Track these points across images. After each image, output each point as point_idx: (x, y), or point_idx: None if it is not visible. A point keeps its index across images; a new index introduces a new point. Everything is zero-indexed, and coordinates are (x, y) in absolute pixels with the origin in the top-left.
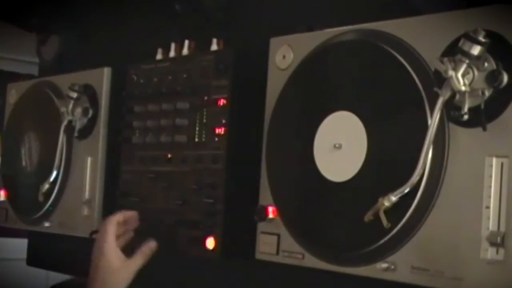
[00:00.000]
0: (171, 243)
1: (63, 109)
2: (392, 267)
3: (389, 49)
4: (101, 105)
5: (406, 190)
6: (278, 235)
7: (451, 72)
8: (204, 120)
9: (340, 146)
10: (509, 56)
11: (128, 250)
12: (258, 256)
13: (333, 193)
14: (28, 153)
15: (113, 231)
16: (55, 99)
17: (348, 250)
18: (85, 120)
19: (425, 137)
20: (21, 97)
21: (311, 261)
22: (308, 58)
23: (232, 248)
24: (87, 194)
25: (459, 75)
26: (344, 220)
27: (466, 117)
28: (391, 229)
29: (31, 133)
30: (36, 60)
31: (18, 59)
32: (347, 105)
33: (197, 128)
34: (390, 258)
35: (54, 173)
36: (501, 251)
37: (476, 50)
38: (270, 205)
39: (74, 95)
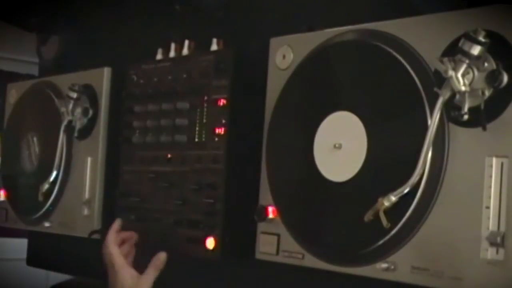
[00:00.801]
0: (171, 243)
1: (63, 109)
2: (392, 267)
3: (389, 49)
4: (101, 105)
5: (406, 190)
6: (278, 235)
7: (451, 72)
8: (204, 120)
9: (340, 146)
10: (509, 56)
11: (136, 264)
12: (258, 256)
13: (333, 193)
14: (28, 153)
15: (117, 250)
16: (55, 99)
17: (348, 250)
18: (85, 120)
19: (425, 137)
20: (21, 97)
21: (311, 261)
22: (308, 58)
23: (232, 248)
24: (87, 194)
25: (459, 75)
26: (344, 220)
27: (466, 117)
28: (391, 229)
29: (31, 133)
30: (36, 60)
31: (18, 59)
32: (347, 105)
33: (197, 128)
34: (390, 258)
35: (54, 173)
36: (501, 251)
37: (476, 50)
38: (270, 205)
39: (74, 95)
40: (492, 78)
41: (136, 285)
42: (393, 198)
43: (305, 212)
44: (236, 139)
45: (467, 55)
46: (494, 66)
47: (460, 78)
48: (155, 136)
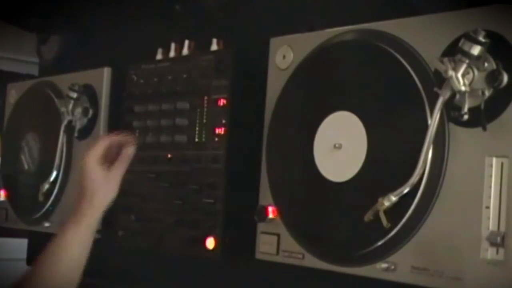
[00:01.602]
0: (171, 243)
1: (63, 109)
2: (392, 267)
3: (389, 49)
4: (101, 105)
5: (406, 190)
6: (278, 235)
7: (451, 72)
8: (204, 120)
9: (340, 146)
10: (509, 56)
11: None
12: (258, 256)
13: (333, 193)
14: (28, 153)
15: (96, 154)
16: (55, 99)
17: (348, 250)
18: (85, 120)
19: (425, 137)
20: (21, 97)
21: (311, 261)
22: (308, 58)
23: (232, 248)
24: None
25: (459, 75)
26: (344, 220)
27: (466, 117)
28: (391, 229)
29: (31, 133)
30: (36, 60)
31: (18, 59)
32: (347, 105)
33: (197, 128)
34: (390, 258)
35: (54, 173)
36: (501, 251)
37: (476, 50)
38: (270, 205)
39: (74, 95)
40: (492, 78)
41: (103, 182)
42: (393, 198)
43: (305, 212)
44: (236, 139)
45: (467, 55)
46: (494, 66)
47: (460, 78)
48: (155, 136)
